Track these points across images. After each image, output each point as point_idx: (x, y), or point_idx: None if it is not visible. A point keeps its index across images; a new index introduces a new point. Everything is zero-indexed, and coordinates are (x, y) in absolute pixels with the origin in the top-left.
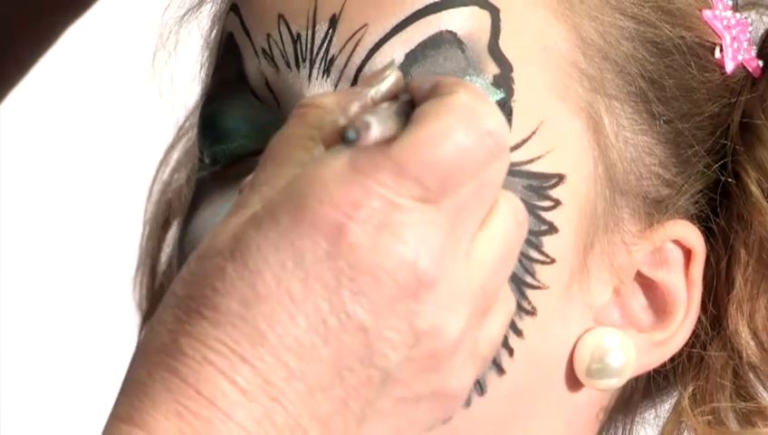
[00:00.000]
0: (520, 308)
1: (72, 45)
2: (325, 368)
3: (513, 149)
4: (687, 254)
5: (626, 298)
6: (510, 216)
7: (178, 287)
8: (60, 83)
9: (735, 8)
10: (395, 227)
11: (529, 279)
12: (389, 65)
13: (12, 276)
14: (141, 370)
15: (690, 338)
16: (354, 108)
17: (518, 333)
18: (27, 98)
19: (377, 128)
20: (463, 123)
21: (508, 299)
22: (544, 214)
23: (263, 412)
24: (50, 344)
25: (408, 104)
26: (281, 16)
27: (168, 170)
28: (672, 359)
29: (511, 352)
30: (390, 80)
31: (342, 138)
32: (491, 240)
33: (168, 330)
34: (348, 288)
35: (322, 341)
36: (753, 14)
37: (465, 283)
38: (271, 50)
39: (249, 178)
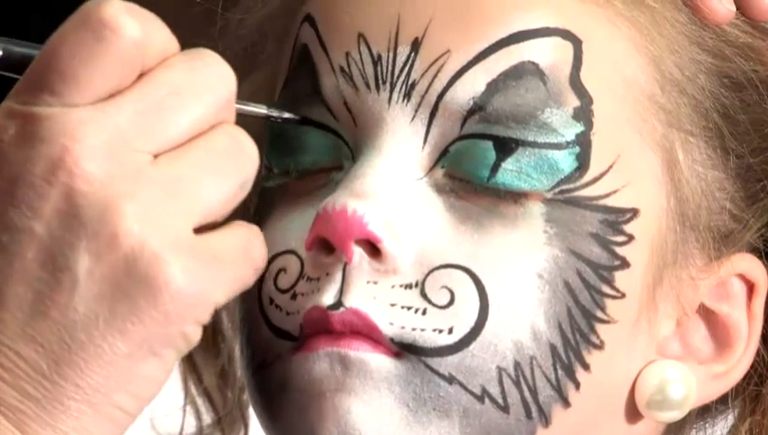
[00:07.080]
0: (588, 342)
1: None
2: (17, 281)
3: (591, 182)
4: (750, 287)
5: (687, 330)
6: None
7: None
8: None
9: None
10: (39, 138)
11: (599, 314)
12: None
13: None
14: None
15: (748, 372)
16: None
17: (585, 367)
18: None
19: None
20: (70, 19)
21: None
22: (618, 249)
23: None
24: None
25: None
26: (361, 35)
27: None
28: (728, 393)
29: (578, 385)
30: None
31: None
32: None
33: None
34: (9, 203)
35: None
36: None
37: (148, 171)
38: (350, 68)
39: None
